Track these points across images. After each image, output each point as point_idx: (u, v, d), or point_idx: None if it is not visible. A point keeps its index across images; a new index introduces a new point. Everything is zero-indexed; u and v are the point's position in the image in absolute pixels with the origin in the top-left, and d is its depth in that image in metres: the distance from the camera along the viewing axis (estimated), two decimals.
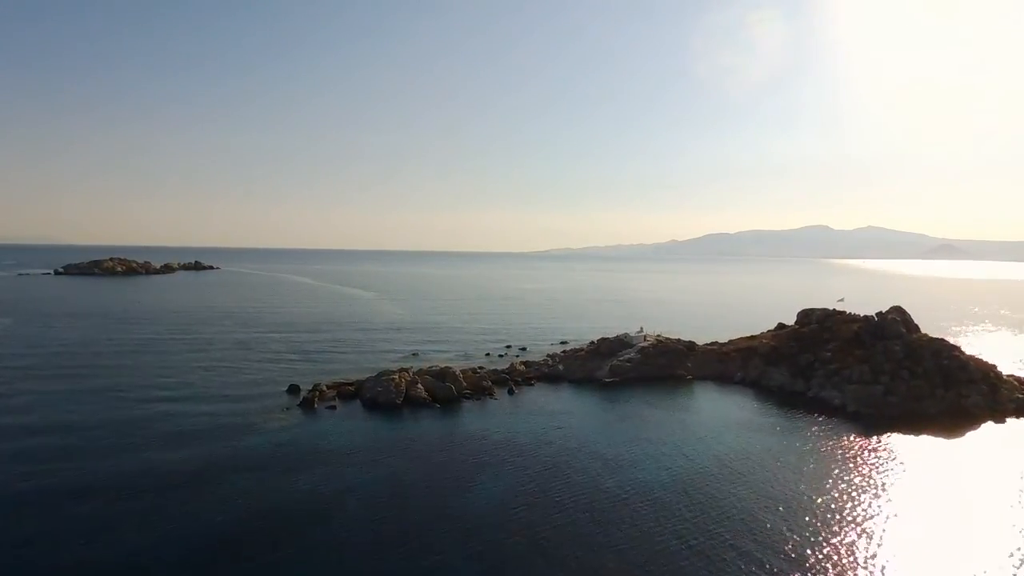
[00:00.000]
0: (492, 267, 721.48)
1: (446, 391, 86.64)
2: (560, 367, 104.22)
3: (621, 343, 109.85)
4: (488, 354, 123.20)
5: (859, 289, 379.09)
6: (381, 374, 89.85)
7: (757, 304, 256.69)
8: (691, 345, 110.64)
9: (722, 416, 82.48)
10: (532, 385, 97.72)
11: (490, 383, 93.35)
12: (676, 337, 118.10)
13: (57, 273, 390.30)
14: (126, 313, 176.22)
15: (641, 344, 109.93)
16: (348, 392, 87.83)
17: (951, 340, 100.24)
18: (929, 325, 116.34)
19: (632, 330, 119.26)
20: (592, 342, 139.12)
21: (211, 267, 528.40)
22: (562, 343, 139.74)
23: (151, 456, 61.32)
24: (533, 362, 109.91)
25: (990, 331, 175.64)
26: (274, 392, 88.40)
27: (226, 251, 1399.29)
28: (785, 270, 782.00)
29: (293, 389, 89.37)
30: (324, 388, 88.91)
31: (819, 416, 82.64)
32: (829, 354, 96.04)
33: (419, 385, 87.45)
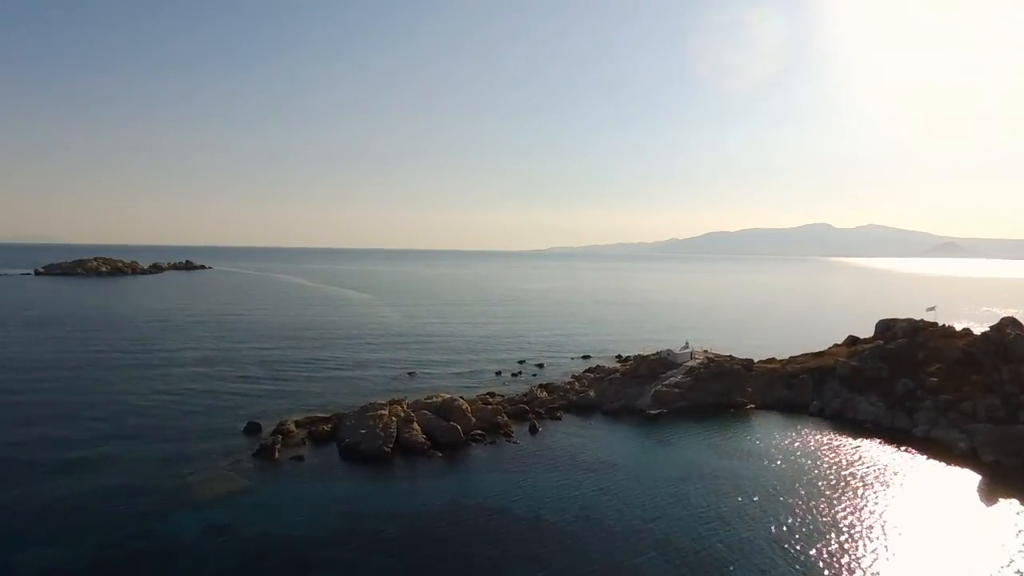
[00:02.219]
0: (493, 266, 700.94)
1: (450, 433, 66.37)
2: (591, 393, 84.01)
3: (664, 363, 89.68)
4: (499, 373, 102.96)
5: (886, 290, 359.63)
6: (366, 408, 69.62)
7: (797, 309, 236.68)
8: (748, 364, 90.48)
9: (816, 469, 62.12)
10: (558, 418, 77.49)
11: (505, 418, 73.21)
12: (727, 354, 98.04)
13: (38, 273, 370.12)
14: (87, 320, 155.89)
15: (688, 363, 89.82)
16: (323, 433, 67.51)
17: None
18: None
19: (674, 345, 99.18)
20: (619, 356, 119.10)
21: (202, 267, 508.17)
22: (584, 357, 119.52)
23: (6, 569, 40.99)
24: (555, 386, 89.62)
25: None
26: (227, 433, 68.06)
27: (224, 250, 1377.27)
28: (799, 269, 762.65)
29: (252, 428, 69.13)
30: (292, 427, 68.76)
31: (945, 467, 62.42)
32: (935, 380, 75.84)
33: (415, 424, 67.23)
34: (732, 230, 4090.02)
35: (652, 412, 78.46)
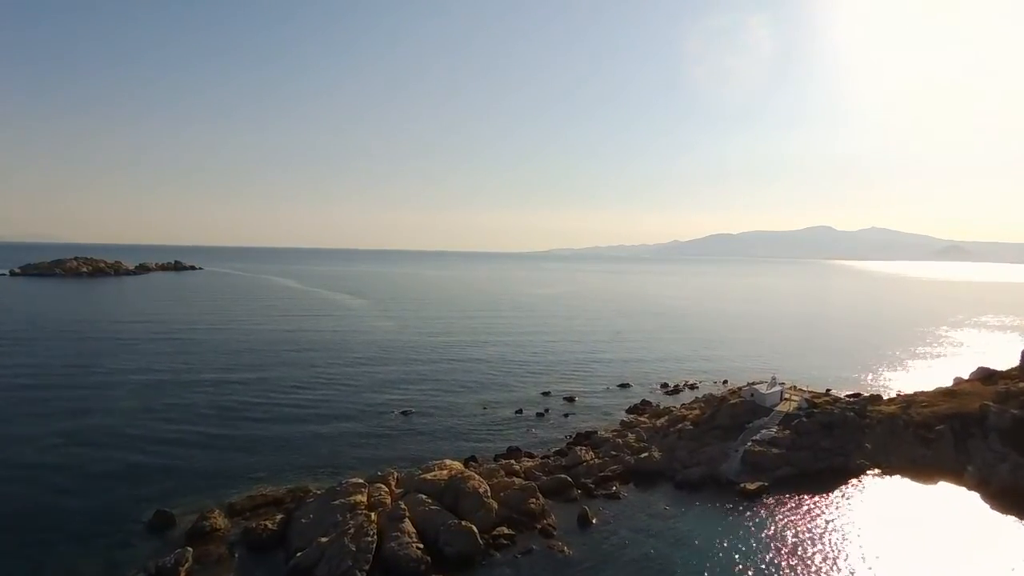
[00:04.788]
0: (495, 268, 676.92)
1: (461, 538, 42.70)
2: (655, 454, 60.19)
3: (749, 408, 66.03)
4: (520, 411, 79.37)
5: (917, 297, 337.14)
6: (334, 493, 46.19)
7: (841, 322, 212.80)
8: (862, 409, 66.77)
9: None
10: (615, 495, 53.82)
11: (541, 499, 49.63)
12: (823, 390, 74.53)
13: (13, 274, 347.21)
14: (24, 333, 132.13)
15: (779, 407, 66.35)
16: (264, 534, 43.80)
17: None
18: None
19: (727, 370, 75.79)
20: (665, 385, 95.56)
21: (192, 267, 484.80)
22: (621, 387, 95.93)
23: None
24: (601, 439, 65.83)
25: None
26: (116, 535, 44.39)
27: (220, 250, 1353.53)
28: (809, 273, 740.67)
29: (160, 522, 45.55)
30: (219, 520, 45.26)
31: None
32: None
33: (407, 523, 43.64)
34: (734, 232, 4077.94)
35: (749, 486, 54.65)
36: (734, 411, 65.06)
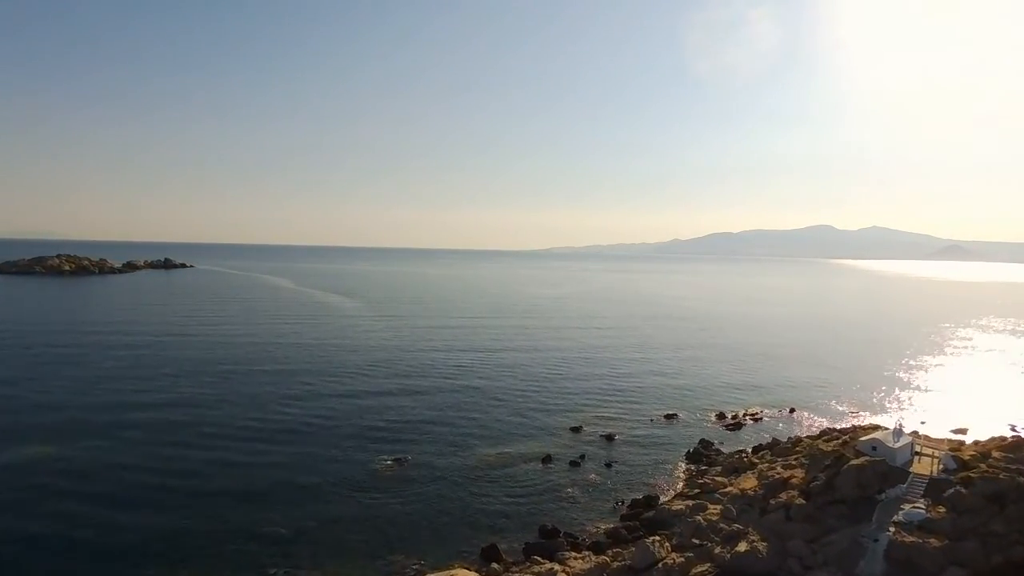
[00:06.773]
0: (496, 267, 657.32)
1: None
2: (757, 543, 41.55)
3: (879, 472, 47.36)
4: (547, 460, 60.76)
5: (940, 300, 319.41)
6: None
7: (896, 332, 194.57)
8: None
9: None
10: None
11: None
12: (957, 440, 56.04)
13: None
14: None
15: (917, 469, 47.89)
16: None
17: None
18: None
19: (823, 407, 57.13)
20: (721, 414, 76.73)
21: (183, 265, 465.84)
22: (668, 417, 77.47)
23: None
24: (668, 510, 47.20)
25: None
26: None
27: (218, 247, 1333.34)
28: (814, 273, 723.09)
29: None
30: None
31: None
32: None
33: None
34: (734, 231, 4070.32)
35: None
36: (854, 480, 46.27)
